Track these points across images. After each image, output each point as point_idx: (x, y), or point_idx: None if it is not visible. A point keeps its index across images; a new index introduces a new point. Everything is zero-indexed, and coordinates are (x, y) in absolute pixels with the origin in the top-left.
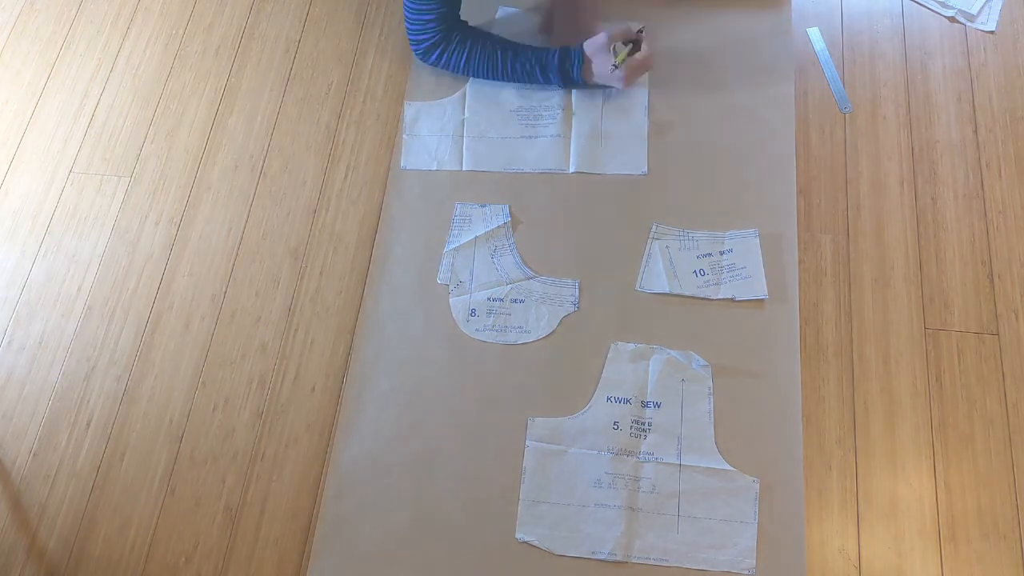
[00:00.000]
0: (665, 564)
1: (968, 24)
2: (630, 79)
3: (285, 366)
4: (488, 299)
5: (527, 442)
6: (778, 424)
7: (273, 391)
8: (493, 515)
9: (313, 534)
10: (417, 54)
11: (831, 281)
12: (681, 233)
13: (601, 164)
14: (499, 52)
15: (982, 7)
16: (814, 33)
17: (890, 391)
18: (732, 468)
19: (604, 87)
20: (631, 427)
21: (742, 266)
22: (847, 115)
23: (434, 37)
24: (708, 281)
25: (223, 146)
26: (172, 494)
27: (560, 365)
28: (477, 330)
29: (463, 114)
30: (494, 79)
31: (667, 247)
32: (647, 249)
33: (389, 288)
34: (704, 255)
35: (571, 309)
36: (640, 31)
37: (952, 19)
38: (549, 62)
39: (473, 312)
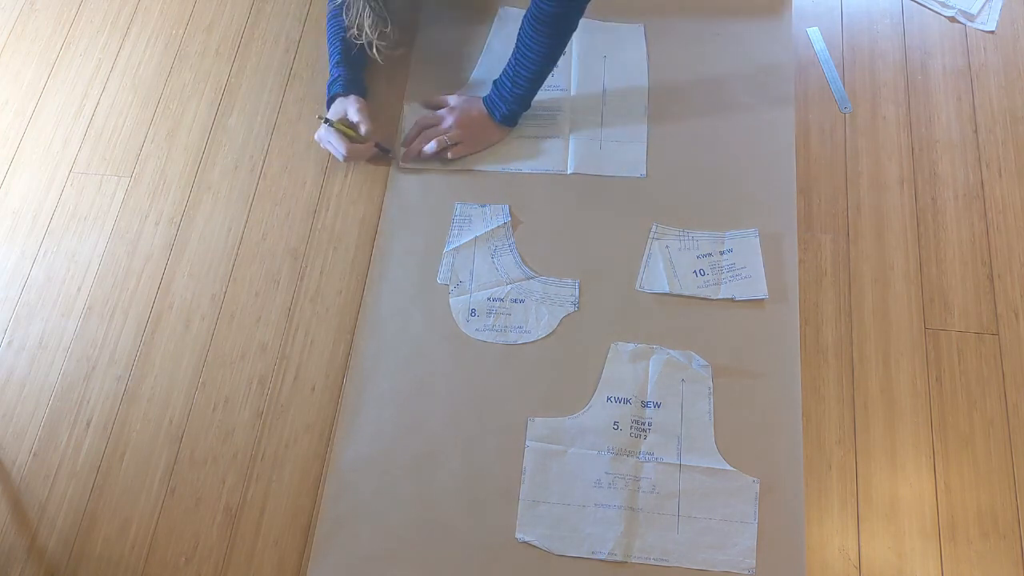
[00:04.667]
0: (665, 564)
1: (968, 24)
2: (349, 155)
3: (285, 366)
4: (488, 299)
5: (527, 442)
6: (778, 424)
7: (273, 391)
8: (493, 515)
9: (313, 534)
10: None
11: (831, 281)
12: (681, 233)
13: (599, 166)
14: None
15: (982, 7)
16: (814, 33)
17: (890, 391)
18: (732, 468)
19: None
20: (631, 427)
21: (742, 266)
22: (847, 115)
23: None
24: (708, 281)
25: (223, 146)
26: (172, 494)
27: (560, 365)
28: (477, 330)
29: None
30: None
31: (667, 247)
32: (647, 249)
33: (389, 288)
34: (704, 255)
35: (571, 309)
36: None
37: (952, 19)
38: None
39: (473, 312)
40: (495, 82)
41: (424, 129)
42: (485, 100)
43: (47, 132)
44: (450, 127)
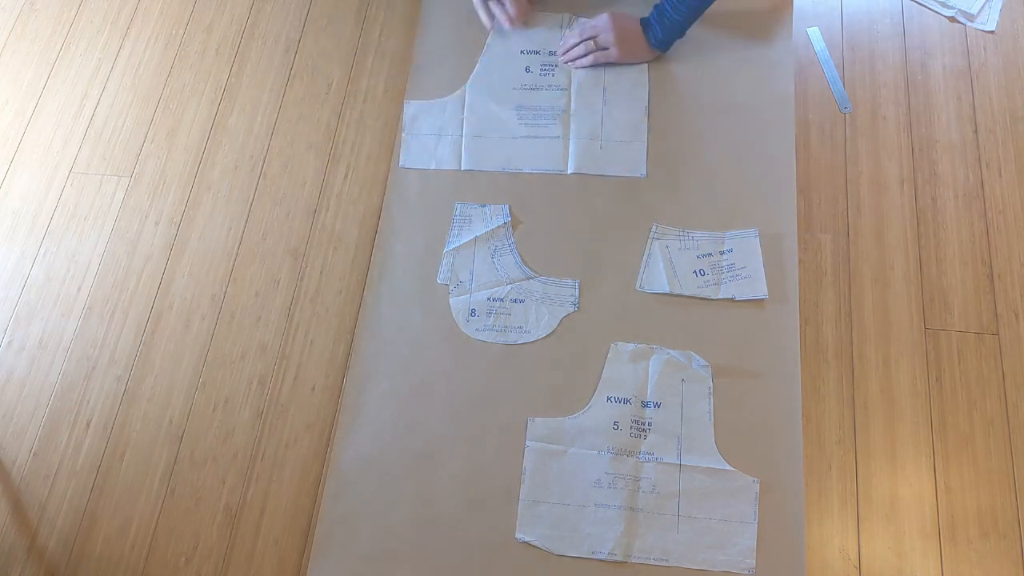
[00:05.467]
0: (665, 564)
1: (968, 24)
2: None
3: (285, 366)
4: (488, 299)
5: (527, 442)
6: (778, 424)
7: (273, 391)
8: (493, 515)
9: (313, 534)
10: None
11: (831, 281)
12: (681, 233)
13: (600, 166)
14: None
15: (982, 7)
16: (814, 33)
17: (890, 391)
18: (732, 468)
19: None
20: (631, 427)
21: (742, 266)
22: (847, 115)
23: None
24: (708, 281)
25: (223, 146)
26: (172, 494)
27: (560, 365)
28: (477, 330)
29: (462, 113)
30: None
31: (667, 247)
32: (647, 249)
33: (389, 288)
34: (704, 255)
35: (571, 309)
36: None
37: (952, 19)
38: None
39: (473, 312)
40: (656, 6)
41: (584, 39)
42: (643, 21)
43: (47, 132)
44: (608, 40)
